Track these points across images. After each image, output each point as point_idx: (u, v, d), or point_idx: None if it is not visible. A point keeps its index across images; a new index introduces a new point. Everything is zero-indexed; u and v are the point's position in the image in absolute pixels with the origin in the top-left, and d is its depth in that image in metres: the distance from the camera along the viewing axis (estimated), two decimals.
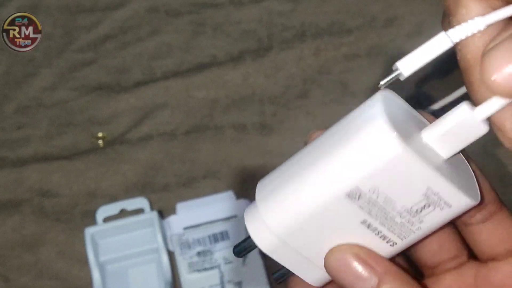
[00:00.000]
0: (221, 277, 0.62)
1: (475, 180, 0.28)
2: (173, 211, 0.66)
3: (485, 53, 0.22)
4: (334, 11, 0.77)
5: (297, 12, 0.77)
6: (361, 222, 0.27)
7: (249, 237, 0.29)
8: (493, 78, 0.22)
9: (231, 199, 0.65)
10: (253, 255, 0.62)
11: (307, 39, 0.75)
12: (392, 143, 0.25)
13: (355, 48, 0.74)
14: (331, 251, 0.27)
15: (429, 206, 0.26)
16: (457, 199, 0.26)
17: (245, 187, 0.66)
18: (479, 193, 0.27)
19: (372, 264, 0.27)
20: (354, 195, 0.26)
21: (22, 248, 0.66)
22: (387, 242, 0.27)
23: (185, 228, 0.65)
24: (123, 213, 0.66)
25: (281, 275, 0.31)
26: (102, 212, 0.66)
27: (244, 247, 0.30)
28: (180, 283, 0.62)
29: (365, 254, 0.27)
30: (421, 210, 0.26)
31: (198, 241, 0.63)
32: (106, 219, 0.66)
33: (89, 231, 0.63)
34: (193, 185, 0.68)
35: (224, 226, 0.64)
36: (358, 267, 0.27)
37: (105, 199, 0.67)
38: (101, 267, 0.63)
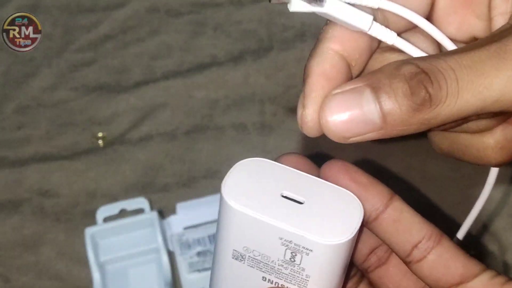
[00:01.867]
0: None
1: (356, 214, 0.28)
2: (173, 211, 0.66)
3: (329, 96, 0.26)
4: None
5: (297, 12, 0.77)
6: (262, 279, 0.29)
7: None
8: (329, 119, 0.26)
9: None
10: None
11: (307, 39, 0.75)
12: (231, 209, 0.29)
13: None
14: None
15: (295, 254, 0.27)
16: (311, 243, 0.27)
17: None
18: (350, 227, 0.27)
19: None
20: (238, 256, 0.29)
21: (22, 248, 0.66)
22: None
23: (185, 228, 0.65)
24: (123, 213, 0.66)
25: None
26: (102, 212, 0.66)
27: None
28: (180, 283, 0.62)
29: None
30: (293, 259, 0.27)
31: (198, 241, 0.63)
32: (106, 219, 0.66)
33: (89, 231, 0.63)
34: (193, 185, 0.68)
35: None
36: None
37: (105, 199, 0.67)
38: (101, 267, 0.63)
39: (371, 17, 0.27)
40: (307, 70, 0.28)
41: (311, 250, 0.27)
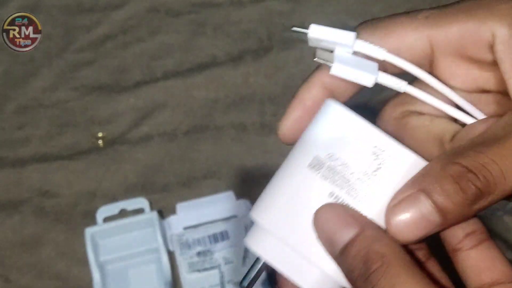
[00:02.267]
0: (221, 277, 0.62)
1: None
2: (173, 211, 0.66)
3: (389, 210, 0.28)
4: (334, 11, 0.77)
5: (297, 12, 0.77)
6: (329, 195, 0.29)
7: (252, 266, 0.32)
8: (396, 230, 0.28)
9: (231, 199, 0.65)
10: (253, 255, 0.62)
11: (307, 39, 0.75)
12: (339, 110, 0.29)
13: None
14: (318, 209, 0.29)
15: (381, 166, 0.29)
16: (405, 156, 0.29)
17: (245, 187, 0.66)
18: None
19: (355, 216, 0.29)
20: (316, 165, 0.29)
21: (22, 248, 0.66)
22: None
23: (185, 228, 0.65)
24: (123, 213, 0.66)
25: (251, 281, 0.32)
26: (102, 212, 0.66)
27: (251, 276, 0.32)
28: (180, 283, 0.62)
29: (351, 210, 0.29)
30: (376, 171, 0.29)
31: (198, 241, 0.63)
32: (106, 219, 0.66)
33: (89, 231, 0.63)
34: (193, 185, 0.68)
35: (224, 226, 0.64)
36: (343, 218, 0.29)
37: (105, 199, 0.67)
38: (101, 267, 0.63)
39: (374, 77, 0.30)
40: (296, 93, 0.33)
41: (401, 164, 0.29)
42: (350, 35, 0.30)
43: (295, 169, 0.30)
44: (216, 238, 0.63)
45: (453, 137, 0.30)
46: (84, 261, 0.63)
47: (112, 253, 0.64)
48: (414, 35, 0.30)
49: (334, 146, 0.29)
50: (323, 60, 0.30)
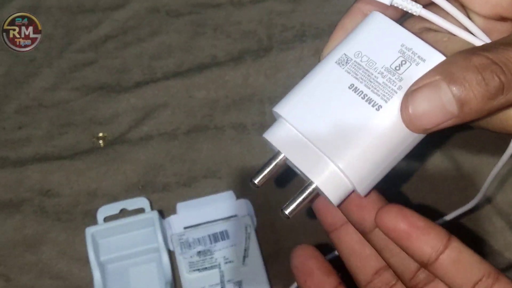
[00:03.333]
0: (221, 277, 0.62)
1: None
2: (173, 211, 0.66)
3: (408, 93, 0.28)
4: (334, 12, 0.77)
5: (297, 12, 0.78)
6: (349, 87, 0.30)
7: (268, 161, 0.33)
8: (411, 113, 0.28)
9: (231, 199, 0.66)
10: (253, 255, 0.62)
11: (307, 39, 0.75)
12: (376, 17, 0.31)
13: None
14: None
15: (405, 62, 0.30)
16: (429, 53, 0.30)
17: (245, 187, 0.66)
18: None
19: None
20: (342, 61, 0.31)
21: (23, 247, 0.66)
22: (373, 105, 0.30)
23: (185, 228, 0.65)
24: (123, 213, 0.66)
25: (293, 208, 0.32)
26: (103, 211, 0.66)
27: (265, 171, 0.33)
28: (180, 283, 0.62)
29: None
30: (399, 67, 0.30)
31: (198, 241, 0.63)
32: (107, 219, 0.66)
33: (89, 231, 0.63)
34: (193, 185, 0.68)
35: (224, 225, 0.64)
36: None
37: (106, 199, 0.67)
38: (102, 266, 0.63)
39: None
40: (338, 23, 0.33)
41: (424, 61, 0.29)
42: None
43: (322, 66, 0.32)
44: (216, 237, 0.63)
45: None
46: (84, 261, 0.64)
47: (112, 253, 0.64)
48: None
49: (363, 46, 0.31)
50: None
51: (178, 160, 0.70)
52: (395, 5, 0.31)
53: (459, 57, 0.28)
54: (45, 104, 0.74)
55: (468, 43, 0.31)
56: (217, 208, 0.65)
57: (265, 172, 0.32)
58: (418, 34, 0.32)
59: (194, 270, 0.62)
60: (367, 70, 0.30)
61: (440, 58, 0.29)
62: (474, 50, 0.28)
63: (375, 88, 0.30)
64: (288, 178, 0.61)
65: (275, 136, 0.32)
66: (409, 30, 0.31)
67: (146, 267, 0.64)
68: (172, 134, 0.71)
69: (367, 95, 0.30)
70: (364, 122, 0.29)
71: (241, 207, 0.65)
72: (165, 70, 0.75)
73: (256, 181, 0.33)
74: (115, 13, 0.79)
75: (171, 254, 0.64)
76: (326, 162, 0.30)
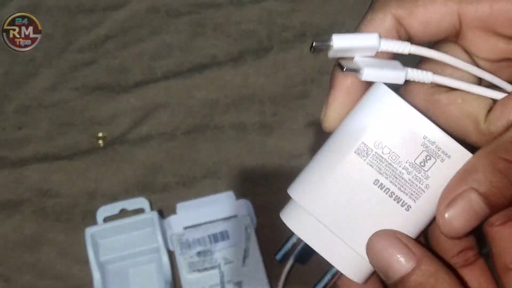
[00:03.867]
0: (221, 277, 0.62)
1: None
2: (173, 211, 0.66)
3: (442, 209, 0.29)
4: (334, 11, 0.77)
5: (297, 12, 0.78)
6: (373, 183, 0.29)
7: (288, 239, 0.32)
8: (452, 228, 0.29)
9: (231, 199, 0.65)
10: (253, 255, 0.62)
11: (307, 39, 0.75)
12: (389, 97, 0.29)
13: None
14: (373, 235, 0.29)
15: (430, 158, 0.29)
16: (453, 148, 0.29)
17: (245, 187, 0.66)
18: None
19: (411, 248, 0.29)
20: (362, 152, 0.29)
21: (22, 248, 0.66)
22: (402, 205, 0.29)
23: (185, 228, 0.65)
24: (123, 213, 0.66)
25: (283, 256, 0.32)
26: (102, 212, 0.66)
27: (286, 249, 0.32)
28: (180, 283, 0.62)
29: (405, 239, 0.29)
30: (424, 163, 0.29)
31: (198, 241, 0.63)
32: (107, 219, 0.66)
33: (89, 231, 0.63)
34: (193, 185, 0.68)
35: (224, 226, 0.64)
36: (399, 249, 0.29)
37: (105, 199, 0.67)
38: (102, 266, 0.63)
39: (404, 73, 0.30)
40: (332, 81, 0.31)
41: (449, 157, 0.29)
42: (373, 37, 0.30)
43: (341, 154, 0.30)
44: (216, 238, 0.63)
45: (487, 115, 0.30)
46: (84, 261, 0.63)
47: (112, 253, 0.64)
48: (443, 9, 0.31)
49: (382, 134, 0.29)
50: (350, 69, 0.30)
51: (178, 160, 0.69)
52: (411, 79, 0.30)
53: (483, 162, 0.29)
54: (44, 104, 0.74)
55: (483, 100, 0.31)
56: (217, 208, 0.65)
57: (285, 249, 0.33)
58: (431, 95, 0.31)
59: (194, 271, 0.62)
60: (390, 164, 0.29)
61: (464, 153, 0.29)
62: (495, 153, 0.29)
63: (402, 186, 0.29)
64: (289, 179, 0.61)
65: (294, 220, 0.31)
66: (419, 90, 0.31)
67: (146, 268, 0.64)
68: (171, 134, 0.71)
69: (394, 193, 0.29)
70: (394, 220, 0.29)
71: (241, 207, 0.65)
72: (165, 70, 0.75)
73: (278, 257, 0.33)
74: (115, 13, 0.79)
75: (171, 255, 0.64)
76: (349, 252, 0.30)
